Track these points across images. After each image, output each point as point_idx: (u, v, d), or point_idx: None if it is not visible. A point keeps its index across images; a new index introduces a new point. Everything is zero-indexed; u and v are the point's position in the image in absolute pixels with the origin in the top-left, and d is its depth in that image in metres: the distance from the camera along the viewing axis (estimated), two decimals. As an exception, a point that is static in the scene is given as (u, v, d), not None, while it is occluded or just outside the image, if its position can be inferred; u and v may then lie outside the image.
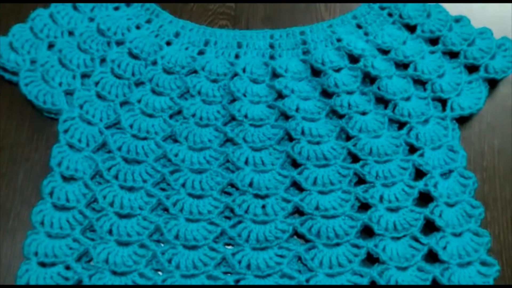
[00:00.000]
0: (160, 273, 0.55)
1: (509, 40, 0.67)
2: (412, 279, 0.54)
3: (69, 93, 0.62)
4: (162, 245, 0.56)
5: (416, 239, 0.56)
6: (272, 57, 0.65)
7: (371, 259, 0.56)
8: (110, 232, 0.55)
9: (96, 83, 0.62)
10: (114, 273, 0.53)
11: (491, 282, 0.54)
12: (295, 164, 0.60)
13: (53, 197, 0.56)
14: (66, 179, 0.57)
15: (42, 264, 0.53)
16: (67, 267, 0.53)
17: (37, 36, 0.63)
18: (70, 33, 0.64)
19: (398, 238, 0.56)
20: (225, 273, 0.55)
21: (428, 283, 0.54)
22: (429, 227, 0.58)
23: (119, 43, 0.65)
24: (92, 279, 0.53)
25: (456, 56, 0.66)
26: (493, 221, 0.60)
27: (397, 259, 0.55)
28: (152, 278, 0.53)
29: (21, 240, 0.55)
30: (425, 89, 0.64)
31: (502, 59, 0.65)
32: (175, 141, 0.61)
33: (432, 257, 0.56)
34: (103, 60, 0.64)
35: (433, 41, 0.67)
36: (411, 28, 0.68)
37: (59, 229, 0.55)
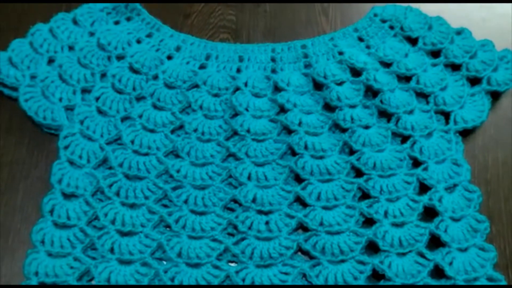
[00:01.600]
0: (163, 292, 0.54)
1: (511, 52, 0.67)
2: (418, 296, 0.53)
3: (69, 109, 0.61)
4: (165, 263, 0.55)
5: (422, 255, 0.56)
6: (273, 71, 0.65)
7: (376, 276, 0.55)
8: (111, 250, 0.54)
9: (97, 98, 0.61)
10: (116, 293, 0.52)
11: (497, 297, 0.53)
12: (298, 179, 0.60)
13: (53, 215, 0.55)
14: (67, 196, 0.57)
15: (43, 285, 0.52)
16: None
17: (37, 51, 0.63)
18: (70, 48, 0.64)
19: (404, 254, 0.55)
20: (229, 291, 0.54)
21: (434, 300, 0.53)
22: (435, 242, 0.57)
23: (119, 58, 0.64)
24: (94, 300, 0.52)
25: (458, 68, 0.66)
26: (498, 235, 0.59)
27: (403, 276, 0.54)
28: (154, 298, 0.53)
29: (20, 259, 0.54)
30: (427, 102, 0.64)
31: (505, 71, 0.65)
32: (177, 156, 0.60)
33: (438, 272, 0.55)
34: (103, 75, 0.63)
35: (435, 54, 0.67)
36: (413, 41, 0.68)
37: (60, 247, 0.54)
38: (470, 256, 0.56)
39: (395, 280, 0.54)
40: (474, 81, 0.65)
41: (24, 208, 0.58)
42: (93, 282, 0.54)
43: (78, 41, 0.64)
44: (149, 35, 0.67)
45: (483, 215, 0.58)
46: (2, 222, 0.57)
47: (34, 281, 0.52)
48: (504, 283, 0.54)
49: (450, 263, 0.55)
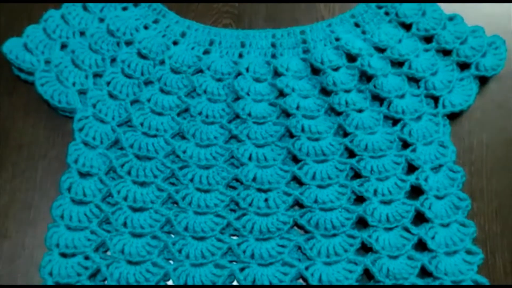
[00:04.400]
0: (171, 262, 0.59)
1: (500, 39, 0.69)
2: (402, 267, 0.59)
3: (82, 93, 0.65)
4: (173, 236, 0.60)
5: (407, 230, 0.61)
6: (273, 56, 0.69)
7: (365, 249, 0.61)
8: (124, 224, 0.60)
9: (108, 83, 0.65)
10: (130, 262, 0.58)
11: (475, 269, 0.59)
12: (295, 159, 0.64)
13: (71, 192, 0.60)
14: (83, 175, 0.61)
15: (63, 255, 0.58)
16: (86, 257, 0.58)
17: (50, 37, 0.66)
18: (82, 33, 0.67)
19: (390, 229, 0.61)
20: (231, 261, 0.60)
21: (417, 270, 0.59)
22: (420, 218, 0.62)
23: (128, 43, 0.68)
24: (110, 268, 0.58)
25: (449, 53, 0.69)
26: (479, 212, 0.64)
27: (389, 249, 0.59)
28: (164, 267, 0.58)
29: (41, 232, 0.59)
30: (418, 87, 0.67)
31: (493, 57, 0.68)
32: (183, 138, 0.64)
33: (421, 246, 0.61)
34: (113, 60, 0.67)
35: (428, 39, 0.70)
36: (407, 27, 0.71)
37: (78, 222, 0.59)
38: (451, 231, 0.61)
39: (382, 252, 0.59)
40: (463, 65, 0.68)
41: (43, 185, 0.63)
42: (108, 253, 0.59)
43: (88, 27, 0.68)
44: (155, 21, 0.70)
45: (466, 193, 0.63)
46: (23, 198, 0.62)
47: (55, 252, 0.57)
48: (481, 256, 0.59)
49: (433, 237, 0.60)
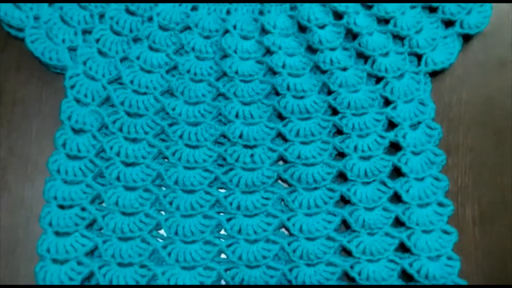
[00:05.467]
0: (163, 212, 0.64)
1: (486, -5, 0.70)
2: (377, 218, 0.63)
3: (72, 49, 0.66)
4: (164, 189, 0.64)
5: (383, 183, 0.65)
6: (261, 13, 0.69)
7: (344, 201, 0.65)
8: (118, 178, 0.63)
9: (97, 40, 0.67)
10: (124, 213, 0.62)
11: (445, 220, 0.63)
12: (281, 116, 0.67)
13: (65, 148, 0.63)
14: (76, 131, 0.64)
15: (61, 207, 0.62)
16: (83, 209, 0.62)
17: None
18: (69, -12, 0.67)
19: (368, 183, 0.65)
20: (218, 213, 0.64)
21: (391, 220, 0.63)
22: (397, 172, 0.66)
23: (116, -1, 0.68)
24: (105, 219, 0.62)
25: (435, 10, 0.70)
26: (453, 166, 0.68)
27: (365, 201, 0.64)
28: (156, 218, 0.63)
29: (39, 185, 0.63)
30: (403, 44, 0.69)
31: (477, 14, 0.69)
32: (172, 95, 0.67)
33: (397, 198, 0.65)
34: (101, 16, 0.68)
35: (415, -5, 0.70)
36: (396, -18, 0.71)
37: (74, 176, 0.63)
38: (425, 185, 0.65)
39: (359, 204, 0.63)
40: (448, 23, 0.69)
41: (39, 140, 0.66)
42: (103, 205, 0.63)
43: (75, -18, 0.67)
44: (143, -24, 0.70)
45: (442, 148, 0.66)
46: (20, 153, 0.65)
47: (53, 204, 0.61)
48: (451, 207, 0.64)
49: (407, 191, 0.64)
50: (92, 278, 0.61)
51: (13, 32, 0.67)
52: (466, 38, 0.70)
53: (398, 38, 0.69)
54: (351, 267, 0.62)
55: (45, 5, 0.66)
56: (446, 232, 0.63)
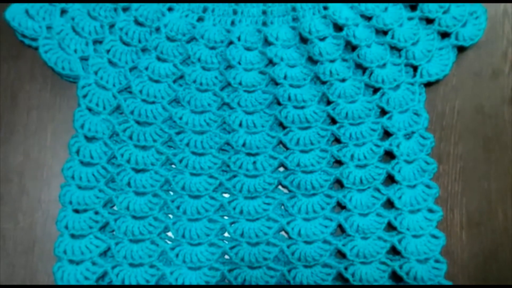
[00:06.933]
0: (170, 216, 0.68)
1: (482, 8, 0.72)
2: (371, 223, 0.68)
3: (84, 59, 0.70)
4: (172, 194, 0.69)
5: (377, 190, 0.69)
6: (264, 24, 0.72)
7: (340, 206, 0.70)
8: (128, 184, 0.67)
9: (108, 51, 0.70)
10: (134, 217, 0.67)
11: (434, 225, 0.68)
12: (282, 125, 0.71)
13: (79, 155, 0.67)
14: (89, 139, 0.68)
15: (76, 211, 0.66)
16: (96, 213, 0.67)
17: (50, 3, 0.69)
18: (79, -2, 0.70)
19: (363, 190, 0.69)
20: (222, 216, 0.69)
21: (383, 225, 0.68)
22: (391, 178, 0.70)
23: (125, 9, 0.71)
24: (117, 222, 0.66)
25: (432, 22, 0.72)
26: (444, 173, 0.72)
27: (360, 207, 0.68)
28: (164, 221, 0.67)
29: (55, 189, 0.67)
30: (400, 56, 0.72)
31: (472, 27, 0.72)
32: (179, 104, 0.70)
33: (390, 204, 0.69)
34: (111, 26, 0.70)
35: (413, 7, 0.73)
36: (394, -7, 0.73)
37: (87, 181, 0.67)
38: (417, 192, 0.69)
39: (354, 210, 0.68)
40: (444, 34, 0.72)
41: (53, 146, 0.70)
42: (115, 208, 0.68)
43: (86, -8, 0.70)
44: (151, -13, 0.72)
45: (434, 156, 0.70)
46: (36, 158, 0.69)
47: (69, 208, 0.66)
48: (440, 213, 0.68)
49: (399, 197, 0.68)
50: (105, 277, 0.66)
51: (27, 41, 0.70)
52: (461, 49, 0.73)
53: (395, 49, 0.72)
54: (345, 268, 0.67)
55: (57, 15, 0.69)
56: (434, 236, 0.68)
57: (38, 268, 0.67)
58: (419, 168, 0.69)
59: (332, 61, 0.71)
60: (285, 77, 0.70)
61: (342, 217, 0.68)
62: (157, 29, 0.71)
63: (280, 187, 0.70)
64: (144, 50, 0.70)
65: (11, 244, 0.67)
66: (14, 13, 0.68)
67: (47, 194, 0.69)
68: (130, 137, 0.68)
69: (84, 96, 0.68)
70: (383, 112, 0.71)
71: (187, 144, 0.69)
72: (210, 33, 0.71)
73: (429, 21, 0.72)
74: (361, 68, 0.72)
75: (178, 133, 0.69)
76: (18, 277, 0.67)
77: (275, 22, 0.72)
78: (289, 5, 0.72)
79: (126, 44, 0.70)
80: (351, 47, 0.72)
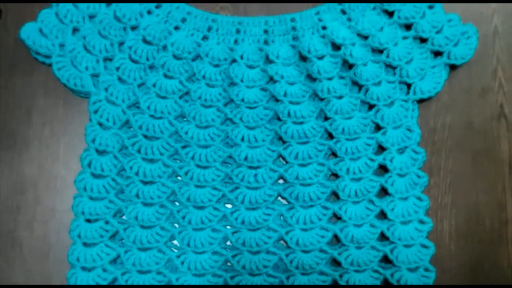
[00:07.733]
0: (176, 226, 0.73)
1: (473, 28, 0.76)
2: (364, 233, 0.72)
3: (95, 76, 0.74)
4: (177, 205, 0.73)
5: (371, 202, 0.73)
6: (266, 42, 0.76)
7: (336, 217, 0.74)
8: (137, 195, 0.71)
9: (117, 68, 0.74)
10: (142, 227, 0.71)
11: (424, 235, 0.72)
12: (281, 139, 0.75)
13: (91, 167, 0.71)
14: (100, 152, 0.72)
15: (88, 221, 0.70)
16: (107, 222, 0.71)
17: (62, 22, 0.73)
18: (91, 17, 0.74)
19: (358, 202, 0.73)
20: (225, 226, 0.73)
21: (377, 235, 0.72)
22: (384, 191, 0.74)
23: (133, 28, 0.75)
24: (126, 231, 0.71)
25: (425, 41, 0.76)
26: (435, 185, 0.76)
27: (355, 219, 0.72)
28: (170, 230, 0.71)
29: (68, 199, 0.71)
30: (394, 74, 0.75)
31: (464, 46, 0.75)
32: (184, 119, 0.74)
33: (383, 215, 0.73)
34: (121, 44, 0.74)
35: (408, 26, 0.77)
36: (390, 13, 0.77)
37: (98, 193, 0.71)
38: (408, 204, 0.73)
39: (348, 222, 0.72)
40: (437, 53, 0.76)
41: (66, 159, 0.74)
42: (124, 218, 0.72)
43: (97, 11, 0.74)
44: (157, 7, 0.76)
45: (425, 170, 0.74)
46: (49, 170, 0.74)
47: (81, 218, 0.70)
48: (430, 225, 0.72)
49: (392, 209, 0.73)
50: (115, 283, 0.70)
51: (40, 58, 0.74)
52: (453, 67, 0.77)
53: (390, 67, 0.76)
54: (340, 276, 0.71)
55: (69, 33, 0.73)
56: (425, 246, 0.72)
57: (53, 274, 0.71)
58: (411, 182, 0.73)
59: (330, 79, 0.75)
60: (285, 94, 0.74)
61: (338, 228, 0.72)
62: (164, 47, 0.74)
63: (279, 198, 0.75)
64: (151, 67, 0.74)
65: (27, 251, 0.71)
66: (29, 32, 0.72)
67: (60, 204, 0.73)
68: (139, 151, 0.72)
69: (95, 112, 0.72)
70: (378, 128, 0.75)
71: (192, 158, 0.73)
72: (214, 51, 0.75)
73: (423, 40, 0.76)
74: (357, 85, 0.76)
75: (183, 147, 0.73)
76: (34, 282, 0.71)
77: (276, 41, 0.76)
78: (289, 24, 0.76)
79: (134, 61, 0.74)
80: (348, 65, 0.76)
